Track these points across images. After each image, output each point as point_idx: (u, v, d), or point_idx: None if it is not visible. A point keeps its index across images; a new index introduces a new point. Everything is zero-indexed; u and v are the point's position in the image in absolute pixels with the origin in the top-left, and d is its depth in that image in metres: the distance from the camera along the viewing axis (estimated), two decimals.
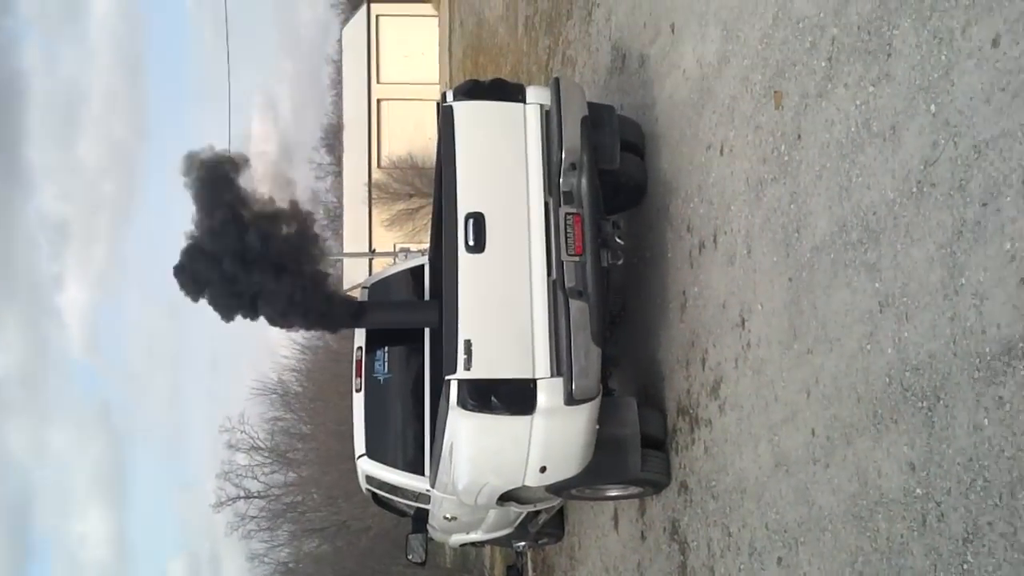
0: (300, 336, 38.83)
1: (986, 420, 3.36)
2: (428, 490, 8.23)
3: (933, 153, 3.66)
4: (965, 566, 3.49)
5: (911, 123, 3.83)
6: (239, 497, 37.42)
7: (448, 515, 9.13)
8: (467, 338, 6.17)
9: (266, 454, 38.39)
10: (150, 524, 75.71)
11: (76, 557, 71.73)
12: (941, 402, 3.63)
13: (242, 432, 37.55)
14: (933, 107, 3.67)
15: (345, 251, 36.07)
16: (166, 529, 75.99)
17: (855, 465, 4.30)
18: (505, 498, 7.32)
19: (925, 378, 3.74)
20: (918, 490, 3.79)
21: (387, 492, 9.10)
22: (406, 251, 28.67)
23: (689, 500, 6.67)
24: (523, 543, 11.84)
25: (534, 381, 6.13)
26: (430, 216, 9.81)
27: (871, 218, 4.16)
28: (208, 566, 57.34)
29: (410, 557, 10.42)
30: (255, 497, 37.57)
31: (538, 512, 9.95)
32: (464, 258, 6.44)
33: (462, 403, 6.12)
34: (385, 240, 34.54)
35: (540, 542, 11.92)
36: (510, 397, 6.09)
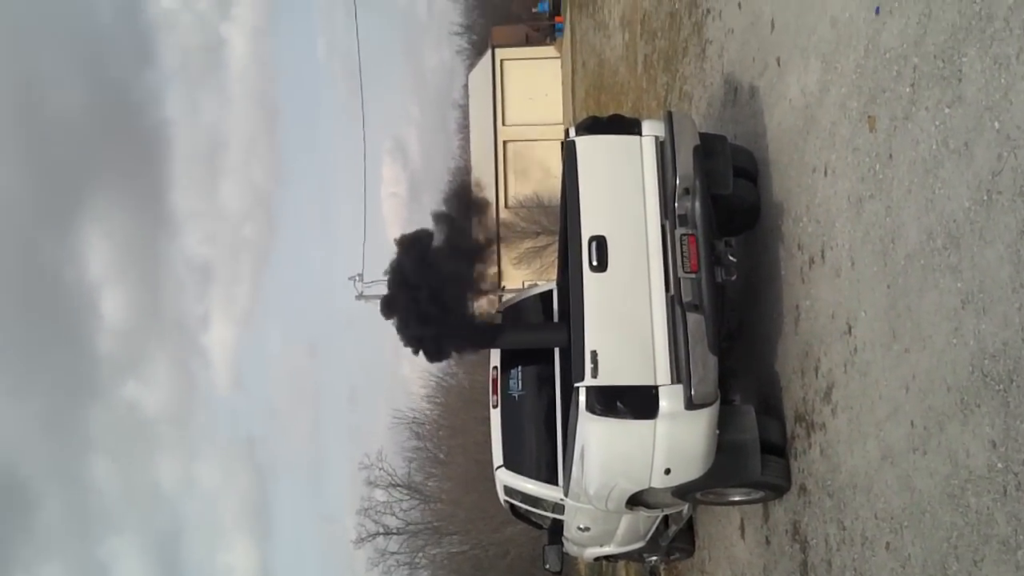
0: (435, 369, 40.06)
1: None
2: (562, 499, 8.86)
3: (998, 164, 4.16)
4: None
5: (980, 139, 4.33)
6: (379, 533, 38.56)
7: (582, 525, 9.72)
8: (593, 348, 6.82)
9: (404, 490, 39.51)
10: (293, 558, 78.25)
11: None
12: (1014, 383, 4.09)
13: (380, 469, 38.83)
14: (997, 124, 4.18)
15: None
16: (308, 563, 78.42)
17: (947, 449, 4.75)
18: (634, 502, 7.88)
19: (1001, 364, 4.21)
20: (999, 464, 4.23)
21: (524, 503, 9.76)
22: (534, 287, 29.44)
23: (808, 501, 7.10)
24: (655, 557, 12.25)
25: (656, 387, 6.72)
26: (557, 248, 10.52)
27: (952, 225, 4.65)
28: None
29: (547, 567, 11.00)
30: (394, 533, 38.65)
31: (668, 524, 10.45)
32: (588, 277, 7.11)
33: (590, 408, 6.75)
34: (514, 278, 35.41)
35: (672, 557, 12.30)
36: (634, 402, 6.70)
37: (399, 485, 39.33)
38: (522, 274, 35.47)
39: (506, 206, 36.98)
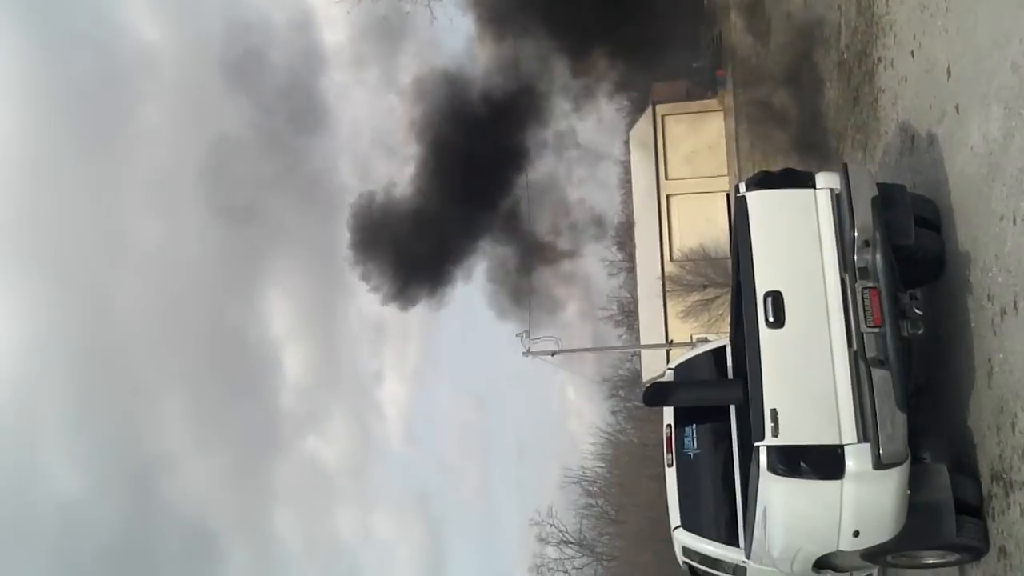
0: (604, 424, 39.93)
1: None
2: (744, 561, 8.64)
3: None
4: None
5: None
6: None
7: None
8: (773, 407, 6.71)
9: (576, 547, 39.28)
10: None
11: None
12: None
13: (551, 526, 38.81)
14: None
15: (642, 343, 36.88)
16: None
17: None
18: (821, 565, 7.62)
19: None
20: None
21: (703, 565, 9.55)
22: (703, 341, 29.02)
23: (1009, 564, 6.72)
24: None
25: (841, 447, 6.55)
26: (727, 304, 10.39)
27: None
28: None
29: None
30: None
31: None
32: (765, 333, 7.03)
33: (772, 468, 6.63)
34: (681, 331, 34.95)
35: None
36: (819, 462, 6.54)
37: (571, 542, 39.16)
38: (689, 327, 34.99)
39: (671, 259, 36.69)
